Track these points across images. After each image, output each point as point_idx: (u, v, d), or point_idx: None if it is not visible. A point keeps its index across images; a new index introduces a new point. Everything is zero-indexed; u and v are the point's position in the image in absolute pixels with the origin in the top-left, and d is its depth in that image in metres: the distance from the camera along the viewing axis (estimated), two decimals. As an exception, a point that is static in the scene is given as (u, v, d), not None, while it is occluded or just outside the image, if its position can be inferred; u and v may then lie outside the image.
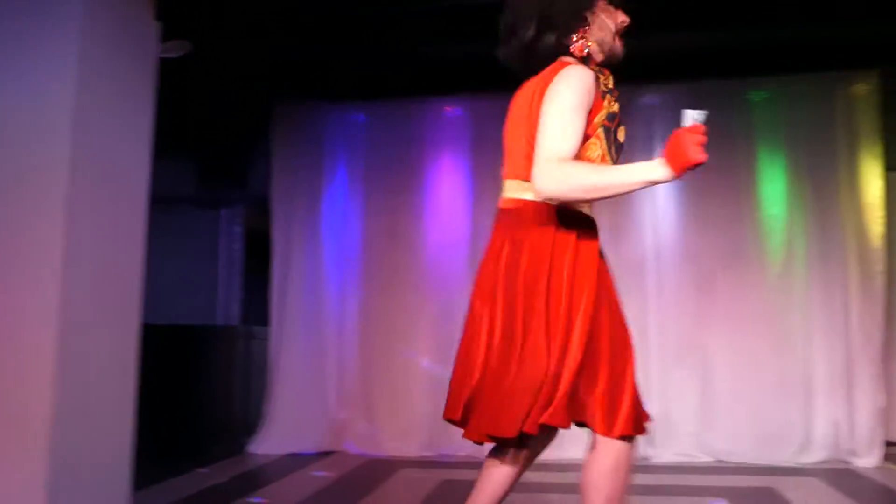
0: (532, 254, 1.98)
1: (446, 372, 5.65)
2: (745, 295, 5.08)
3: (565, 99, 1.93)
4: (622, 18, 2.12)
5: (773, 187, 5.17)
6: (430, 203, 5.49)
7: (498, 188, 5.63)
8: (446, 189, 5.49)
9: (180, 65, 4.73)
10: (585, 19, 2.08)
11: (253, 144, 5.94)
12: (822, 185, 5.09)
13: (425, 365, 5.33)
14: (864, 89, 5.09)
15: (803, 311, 5.00)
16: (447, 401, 2.17)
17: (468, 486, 4.43)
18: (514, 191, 2.09)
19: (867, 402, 4.86)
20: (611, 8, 2.11)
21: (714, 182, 5.00)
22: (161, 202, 5.76)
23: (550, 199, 1.93)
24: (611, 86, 2.04)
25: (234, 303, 6.18)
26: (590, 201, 2.00)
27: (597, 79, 1.99)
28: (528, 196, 2.02)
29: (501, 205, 2.13)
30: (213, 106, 5.85)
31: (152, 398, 4.81)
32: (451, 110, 5.49)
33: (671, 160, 1.81)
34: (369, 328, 5.42)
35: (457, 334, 5.61)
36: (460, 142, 5.46)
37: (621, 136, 2.06)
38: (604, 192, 1.87)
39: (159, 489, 4.11)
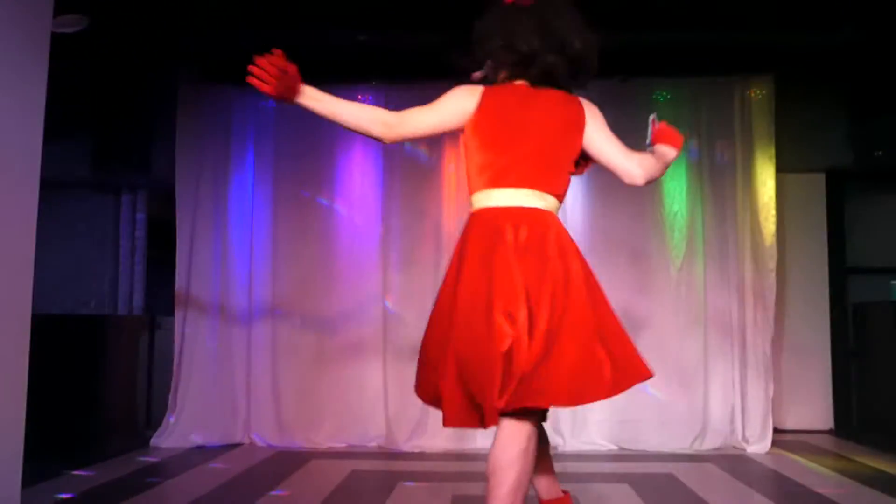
0: (564, 249, 2.32)
1: (356, 361, 5.62)
2: (648, 289, 5.24)
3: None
4: None
5: (675, 185, 5.35)
6: (341, 192, 5.44)
7: (410, 178, 5.52)
8: (357, 178, 5.44)
9: (77, 41, 4.51)
10: None
11: (156, 128, 5.72)
12: (720, 185, 5.31)
13: (335, 355, 5.29)
14: (759, 94, 5.33)
15: (702, 304, 5.21)
16: (500, 386, 2.12)
17: (378, 476, 4.47)
18: (529, 200, 2.32)
19: (759, 392, 5.11)
20: None
21: (619, 179, 5.12)
22: (57, 186, 5.52)
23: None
24: None
25: (138, 292, 5.95)
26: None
27: None
28: (543, 205, 2.34)
29: (505, 209, 2.31)
30: (112, 86, 5.60)
31: (50, 391, 4.61)
32: (363, 98, 5.43)
33: (673, 142, 2.48)
34: (278, 319, 5.33)
35: (367, 324, 5.62)
36: (372, 131, 5.40)
37: None
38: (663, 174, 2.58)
39: (55, 484, 3.95)
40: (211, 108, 5.45)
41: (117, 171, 5.78)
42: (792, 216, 5.71)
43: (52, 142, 3.61)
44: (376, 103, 5.36)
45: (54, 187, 5.34)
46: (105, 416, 5.12)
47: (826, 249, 5.88)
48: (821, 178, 5.93)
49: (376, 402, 5.22)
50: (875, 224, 6.08)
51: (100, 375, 5.11)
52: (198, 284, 5.35)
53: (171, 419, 5.22)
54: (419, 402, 5.52)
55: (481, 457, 4.84)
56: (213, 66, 5.43)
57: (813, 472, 4.37)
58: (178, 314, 5.33)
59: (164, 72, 5.49)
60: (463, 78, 2.50)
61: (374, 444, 5.21)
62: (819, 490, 3.93)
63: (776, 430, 5.22)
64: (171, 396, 5.27)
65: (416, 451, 5.05)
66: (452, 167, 5.36)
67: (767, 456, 4.88)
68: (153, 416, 5.45)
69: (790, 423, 5.64)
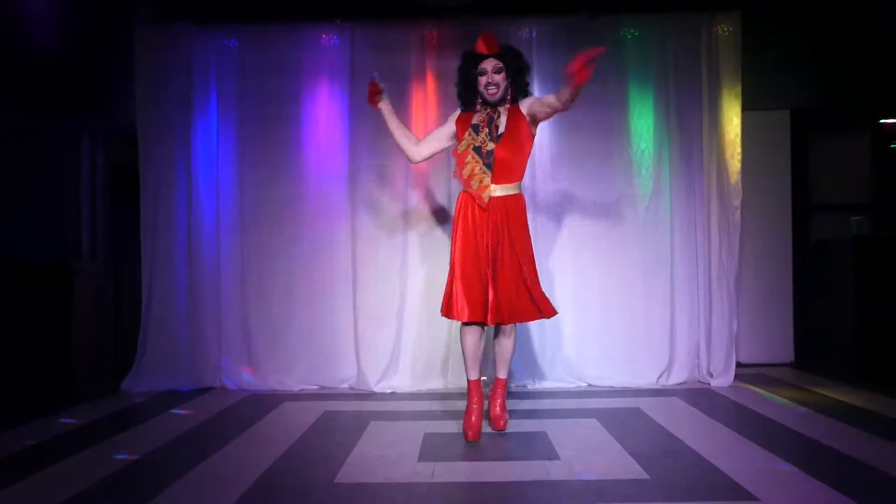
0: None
1: (326, 304, 5.62)
2: (616, 227, 5.28)
3: None
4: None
5: (642, 123, 5.33)
6: (307, 134, 5.35)
7: (376, 118, 5.54)
8: (323, 120, 5.35)
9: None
10: None
11: (114, 69, 5.56)
12: (687, 123, 5.29)
13: (304, 299, 5.28)
14: (726, 30, 5.29)
15: (668, 242, 5.26)
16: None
17: (350, 416, 4.53)
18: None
19: (723, 327, 5.21)
20: None
21: (588, 117, 5.12)
22: (12, 132, 5.36)
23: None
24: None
25: (102, 238, 5.84)
26: None
27: None
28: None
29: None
30: (65, 24, 5.41)
31: (16, 338, 4.56)
32: (328, 38, 5.32)
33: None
34: (247, 262, 5.30)
35: (336, 266, 5.65)
36: (337, 71, 5.31)
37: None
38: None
39: (25, 431, 3.96)
40: (170, 48, 5.29)
41: (74, 114, 5.62)
42: (757, 154, 5.73)
43: (4, 85, 3.50)
44: (341, 44, 5.36)
45: (9, 133, 5.22)
46: (73, 363, 5.09)
47: (790, 187, 5.95)
48: (786, 116, 5.96)
49: (347, 345, 5.25)
50: (838, 161, 6.16)
51: (67, 322, 5.06)
52: (164, 229, 5.28)
53: (140, 364, 5.21)
54: (389, 343, 5.61)
55: (449, 396, 4.94)
56: (171, 2, 5.26)
57: (774, 404, 4.51)
58: (145, 259, 5.28)
59: (120, 8, 5.30)
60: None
61: (345, 385, 5.26)
62: (779, 420, 4.06)
63: (739, 364, 5.35)
64: (139, 342, 5.25)
65: (388, 391, 5.11)
66: (420, 108, 5.29)
67: (731, 389, 5.00)
68: (123, 361, 5.42)
69: (753, 357, 5.79)
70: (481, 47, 3.74)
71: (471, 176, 3.71)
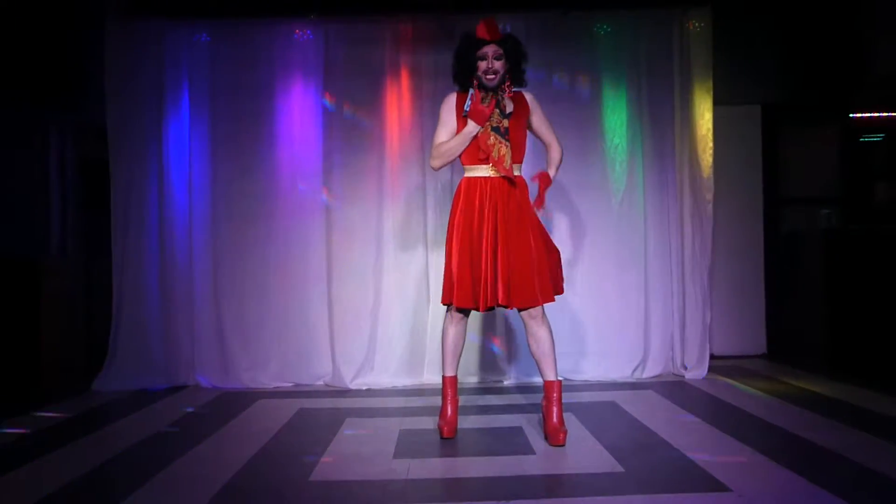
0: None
1: (301, 300, 5.59)
2: (590, 222, 5.30)
3: None
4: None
5: (616, 118, 5.35)
6: (281, 130, 5.30)
7: (352, 112, 5.49)
8: (296, 115, 5.31)
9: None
10: None
11: (84, 63, 5.47)
12: (660, 118, 5.32)
13: (278, 294, 5.25)
14: (697, 25, 5.32)
15: (642, 236, 5.29)
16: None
17: (326, 414, 4.51)
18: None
19: (697, 320, 5.26)
20: None
21: (561, 113, 5.11)
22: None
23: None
24: None
25: (72, 235, 5.76)
26: None
27: None
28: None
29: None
30: (33, 17, 5.32)
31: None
32: (301, 33, 5.28)
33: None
34: (219, 258, 5.24)
35: (310, 263, 5.62)
36: (311, 66, 5.28)
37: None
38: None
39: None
40: (142, 42, 5.22)
41: (43, 108, 5.53)
42: (729, 148, 5.77)
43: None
44: (314, 39, 5.33)
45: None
46: (42, 362, 5.01)
47: (761, 180, 6.01)
48: (756, 111, 6.01)
49: (322, 342, 5.23)
50: (808, 156, 6.22)
51: (35, 320, 4.98)
52: (136, 225, 5.22)
53: (111, 363, 5.15)
54: (364, 339, 5.59)
55: (426, 392, 4.93)
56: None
57: (746, 395, 4.56)
58: (116, 256, 5.21)
59: (91, 1, 5.23)
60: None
61: (320, 382, 5.24)
62: (751, 410, 4.11)
63: (713, 356, 5.40)
64: (111, 340, 5.19)
65: (363, 388, 5.09)
66: (394, 103, 5.27)
67: (705, 381, 5.05)
68: (94, 360, 5.36)
69: (726, 349, 5.84)
70: (483, 32, 3.66)
71: (501, 156, 3.61)
